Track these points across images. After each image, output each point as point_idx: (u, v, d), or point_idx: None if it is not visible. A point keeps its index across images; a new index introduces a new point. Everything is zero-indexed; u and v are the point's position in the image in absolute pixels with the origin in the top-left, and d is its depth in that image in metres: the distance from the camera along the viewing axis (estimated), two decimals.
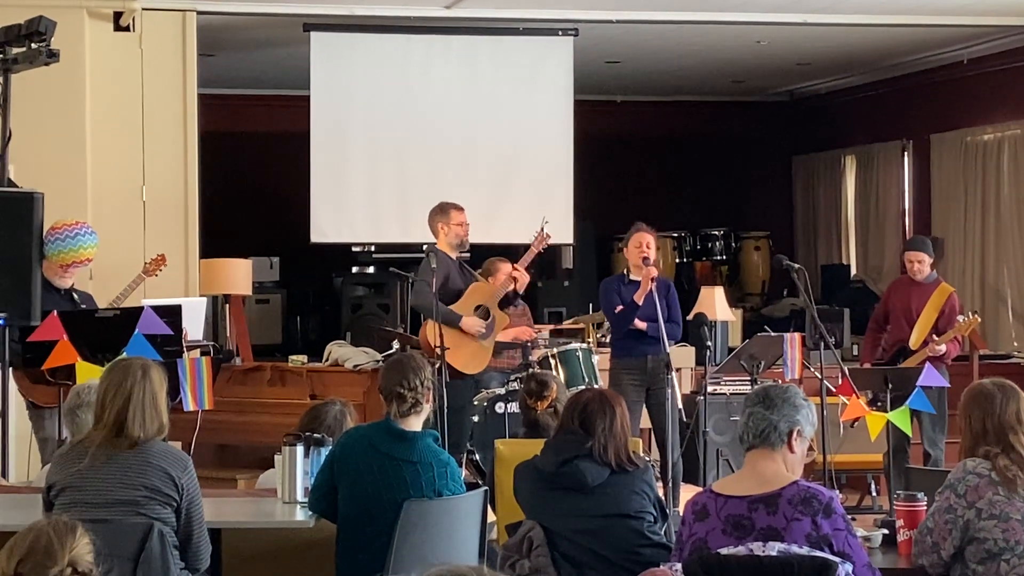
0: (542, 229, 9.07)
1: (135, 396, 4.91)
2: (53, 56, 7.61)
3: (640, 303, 8.60)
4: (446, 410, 7.80)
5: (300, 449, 5.63)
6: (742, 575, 4.03)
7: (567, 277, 14.46)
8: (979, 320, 9.68)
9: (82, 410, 5.52)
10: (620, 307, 8.71)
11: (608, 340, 10.25)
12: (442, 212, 8.96)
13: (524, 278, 8.99)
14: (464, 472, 8.42)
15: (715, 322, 10.97)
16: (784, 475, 4.22)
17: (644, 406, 8.72)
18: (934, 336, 9.07)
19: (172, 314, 7.40)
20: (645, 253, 8.74)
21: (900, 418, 7.64)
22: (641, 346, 8.67)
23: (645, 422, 8.87)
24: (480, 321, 8.79)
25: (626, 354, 8.76)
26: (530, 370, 8.94)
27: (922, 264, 9.28)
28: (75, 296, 8.26)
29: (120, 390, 4.92)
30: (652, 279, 8.59)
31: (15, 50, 7.67)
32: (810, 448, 4.39)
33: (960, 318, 9.21)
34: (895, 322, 9.38)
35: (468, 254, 11.42)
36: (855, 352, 11.71)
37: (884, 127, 15.21)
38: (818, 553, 4.03)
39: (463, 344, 8.54)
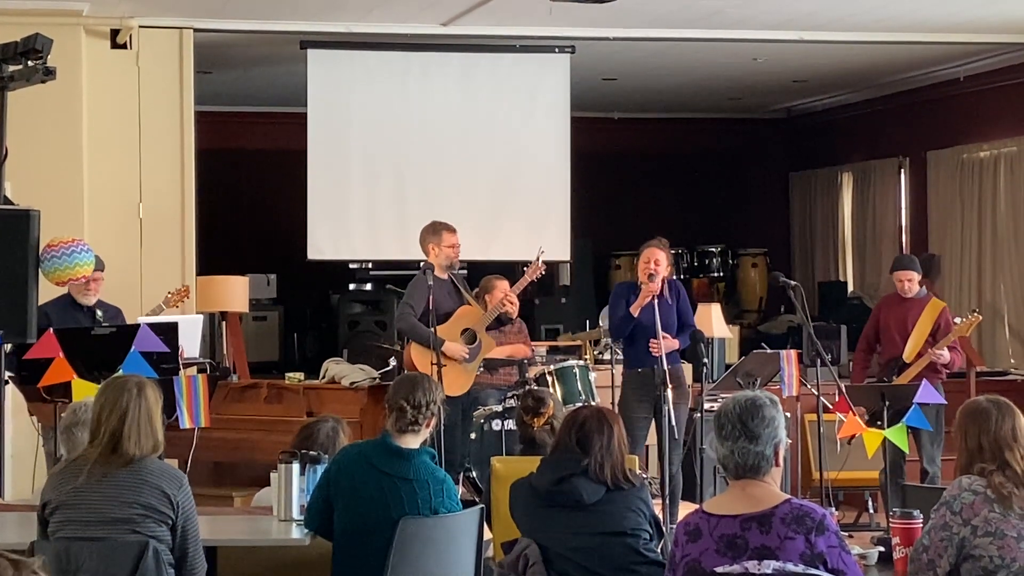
0: (538, 259, 9.05)
1: (130, 414, 4.90)
2: (50, 74, 7.60)
3: (636, 315, 8.54)
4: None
5: (296, 467, 5.64)
6: None
7: (564, 294, 14.46)
8: (980, 319, 9.67)
9: (78, 428, 5.51)
10: (621, 315, 8.64)
11: (606, 357, 10.25)
12: (434, 233, 8.96)
13: (516, 303, 8.99)
14: (460, 490, 8.43)
15: (712, 339, 10.98)
16: (776, 493, 4.18)
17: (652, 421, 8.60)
18: (930, 349, 9.07)
19: (168, 331, 7.41)
20: (651, 270, 8.60)
21: (897, 435, 7.62)
22: (652, 357, 8.42)
23: (651, 439, 8.77)
24: (463, 347, 8.78)
25: (637, 365, 8.59)
26: (527, 387, 8.94)
27: (912, 283, 9.33)
28: (97, 313, 8.35)
29: (115, 408, 4.91)
30: (653, 295, 8.52)
31: (11, 67, 7.66)
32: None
33: (958, 320, 9.19)
34: (888, 339, 9.38)
35: (465, 271, 11.44)
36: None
37: (881, 144, 15.23)
38: (812, 571, 4.02)
39: (447, 368, 8.47)
